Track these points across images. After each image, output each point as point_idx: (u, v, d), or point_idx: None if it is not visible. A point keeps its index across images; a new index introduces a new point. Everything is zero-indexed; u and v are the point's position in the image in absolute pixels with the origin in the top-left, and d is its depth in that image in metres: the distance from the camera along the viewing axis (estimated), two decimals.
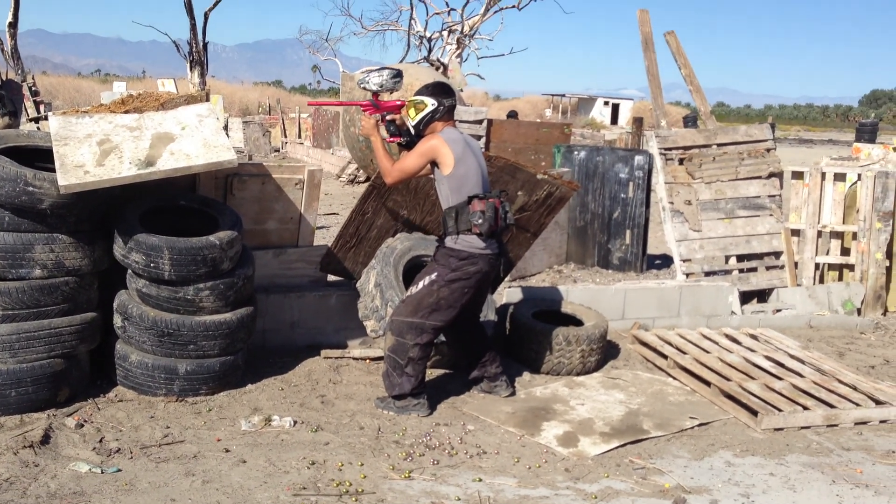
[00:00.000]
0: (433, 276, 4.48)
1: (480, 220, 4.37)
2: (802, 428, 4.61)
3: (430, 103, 4.49)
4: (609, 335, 5.75)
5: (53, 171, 4.19)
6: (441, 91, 4.53)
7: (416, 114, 4.52)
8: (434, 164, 4.47)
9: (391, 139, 4.67)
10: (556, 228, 8.68)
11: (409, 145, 4.62)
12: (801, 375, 5.25)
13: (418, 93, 4.56)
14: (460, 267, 4.45)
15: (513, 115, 18.24)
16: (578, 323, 5.64)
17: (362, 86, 4.57)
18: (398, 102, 4.67)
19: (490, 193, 4.49)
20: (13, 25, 25.59)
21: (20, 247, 4.16)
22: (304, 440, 4.09)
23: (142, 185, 4.43)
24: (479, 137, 13.41)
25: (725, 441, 4.41)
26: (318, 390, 4.82)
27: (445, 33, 30.06)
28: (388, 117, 4.65)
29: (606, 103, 58.51)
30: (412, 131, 4.62)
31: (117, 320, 4.49)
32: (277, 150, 23.79)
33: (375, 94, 4.60)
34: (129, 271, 4.48)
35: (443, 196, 4.53)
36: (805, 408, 4.71)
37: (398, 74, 4.57)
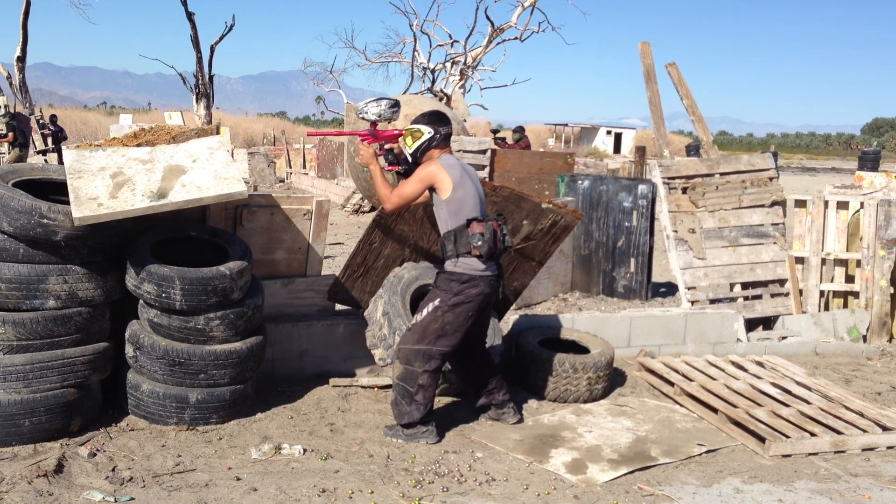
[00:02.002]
0: (436, 302, 4.53)
1: (480, 242, 4.43)
2: (810, 454, 4.62)
3: (427, 131, 4.58)
4: (615, 363, 5.78)
5: (67, 203, 4.27)
6: (437, 119, 4.61)
7: (413, 142, 4.61)
8: (432, 189, 4.55)
9: (389, 168, 4.74)
10: (560, 257, 8.74)
11: (406, 174, 4.69)
12: (807, 402, 5.27)
13: (415, 121, 4.64)
14: (462, 290, 4.50)
15: (519, 130, 17.66)
16: (584, 350, 5.68)
17: (361, 116, 4.66)
18: (396, 132, 4.75)
19: (488, 216, 4.57)
20: (21, 59, 25.95)
21: (34, 278, 4.23)
22: (315, 468, 4.11)
23: (153, 216, 4.50)
24: (482, 167, 13.51)
25: (733, 468, 4.43)
26: (327, 418, 4.86)
27: (449, 64, 30.37)
28: (386, 146, 4.72)
29: (609, 132, 58.78)
30: (409, 159, 4.69)
31: (129, 350, 4.54)
32: (282, 181, 23.94)
33: (374, 123, 4.69)
34: (141, 301, 4.54)
35: (441, 220, 4.60)
36: (812, 434, 4.73)
37: (396, 104, 4.65)
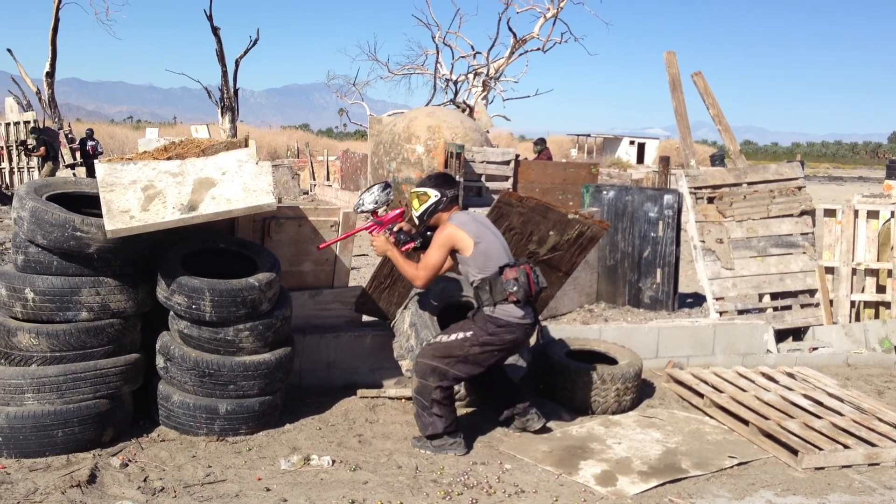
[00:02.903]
0: (468, 333, 4.53)
1: (515, 287, 4.44)
2: (844, 467, 4.56)
3: (434, 195, 4.62)
4: (643, 374, 5.74)
5: (100, 216, 4.33)
6: (444, 182, 4.67)
7: (420, 205, 4.65)
8: (454, 250, 4.56)
9: (405, 247, 4.76)
10: (586, 268, 8.70)
11: (423, 246, 4.74)
12: (840, 414, 5.20)
13: (421, 184, 4.70)
14: (497, 333, 4.50)
15: (540, 142, 17.49)
16: (612, 362, 5.65)
17: (360, 211, 4.72)
18: (397, 211, 4.82)
19: (518, 261, 4.60)
20: (50, 75, 26.30)
21: (68, 290, 4.29)
22: (343, 479, 4.12)
23: (183, 228, 4.54)
24: (506, 178, 13.53)
25: (766, 480, 4.38)
26: (355, 430, 4.87)
27: (471, 76, 30.43)
28: (394, 229, 4.77)
29: (632, 142, 58.58)
30: (416, 221, 4.73)
31: (160, 361, 4.58)
32: (306, 193, 24.08)
33: (374, 212, 4.72)
34: (172, 313, 4.58)
35: (471, 276, 4.60)
36: (846, 446, 4.66)
37: (386, 186, 4.72)
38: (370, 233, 4.75)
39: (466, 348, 4.51)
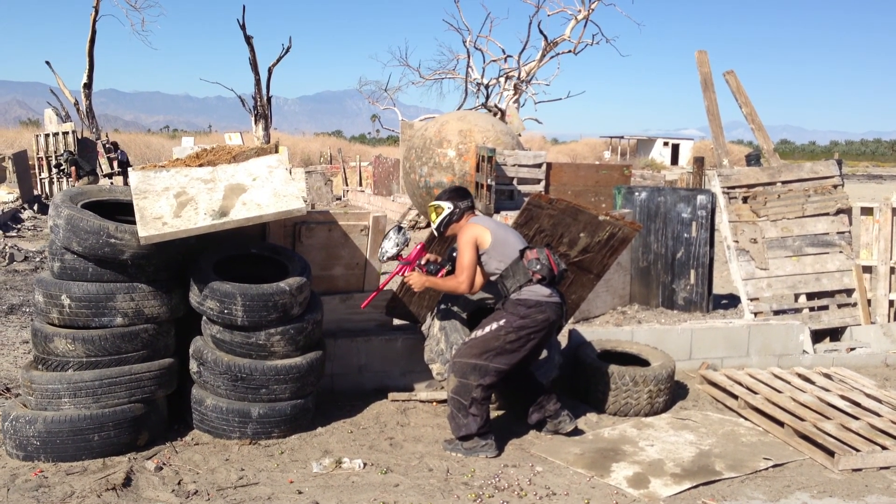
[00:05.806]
0: (501, 322, 4.58)
1: (539, 266, 4.58)
2: (882, 468, 4.47)
3: (447, 207, 4.85)
4: (677, 375, 5.68)
5: (133, 223, 4.40)
6: (457, 195, 4.88)
7: (437, 217, 4.88)
8: (477, 246, 4.69)
9: (438, 275, 4.88)
10: (618, 270, 8.65)
11: (454, 269, 4.85)
12: (878, 415, 5.11)
13: (437, 198, 4.93)
14: (529, 315, 4.55)
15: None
16: (645, 363, 5.60)
17: (384, 260, 4.90)
18: (419, 247, 4.99)
19: (536, 245, 4.75)
20: (88, 86, 26.81)
21: (103, 296, 4.37)
22: (375, 482, 4.13)
23: (215, 234, 4.60)
24: (538, 181, 13.48)
25: (802, 482, 4.31)
26: (386, 433, 4.88)
27: (502, 80, 30.44)
28: (422, 263, 4.91)
29: (666, 144, 58.06)
30: (435, 233, 4.96)
31: (193, 365, 4.64)
32: (339, 199, 24.23)
33: (398, 256, 4.86)
34: (204, 318, 4.64)
35: (493, 268, 4.72)
36: (884, 447, 4.57)
37: (399, 228, 4.90)
38: (402, 275, 4.89)
39: (502, 337, 4.56)
